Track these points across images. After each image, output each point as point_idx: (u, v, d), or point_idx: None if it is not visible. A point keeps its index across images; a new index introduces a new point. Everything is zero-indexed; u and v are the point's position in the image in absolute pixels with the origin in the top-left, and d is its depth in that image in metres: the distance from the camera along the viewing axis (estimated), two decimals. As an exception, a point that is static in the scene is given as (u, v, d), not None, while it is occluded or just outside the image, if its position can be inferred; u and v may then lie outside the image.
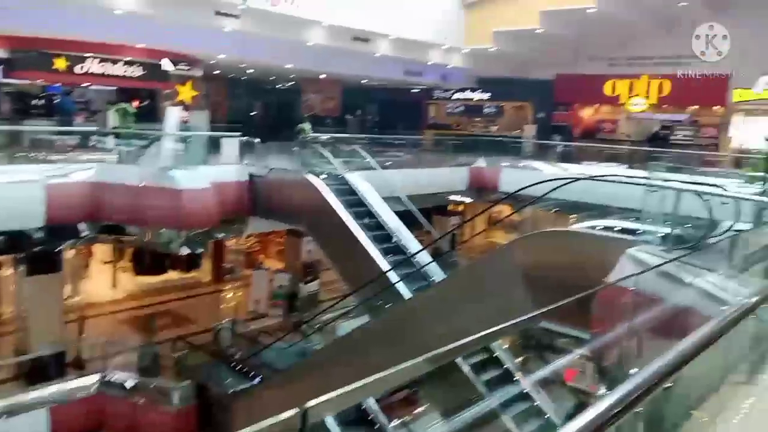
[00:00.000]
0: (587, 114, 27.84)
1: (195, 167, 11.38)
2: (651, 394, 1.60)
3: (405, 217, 11.72)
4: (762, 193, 8.06)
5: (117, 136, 13.52)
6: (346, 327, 11.63)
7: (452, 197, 18.76)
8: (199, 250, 13.84)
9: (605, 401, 1.46)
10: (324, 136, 14.94)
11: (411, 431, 10.44)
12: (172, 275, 17.54)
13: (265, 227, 14.83)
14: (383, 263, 10.07)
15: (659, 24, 23.45)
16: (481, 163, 18.12)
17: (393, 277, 9.88)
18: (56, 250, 11.33)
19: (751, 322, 3.34)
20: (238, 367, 11.51)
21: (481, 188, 17.82)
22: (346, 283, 11.06)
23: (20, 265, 11.82)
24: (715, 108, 24.52)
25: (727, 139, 24.66)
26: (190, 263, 17.38)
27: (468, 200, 19.38)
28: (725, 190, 8.02)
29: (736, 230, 6.42)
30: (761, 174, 9.10)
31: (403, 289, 9.71)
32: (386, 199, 11.81)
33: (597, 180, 11.09)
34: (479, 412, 8.36)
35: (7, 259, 12.69)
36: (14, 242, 10.57)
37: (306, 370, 10.43)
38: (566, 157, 19.48)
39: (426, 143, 23.64)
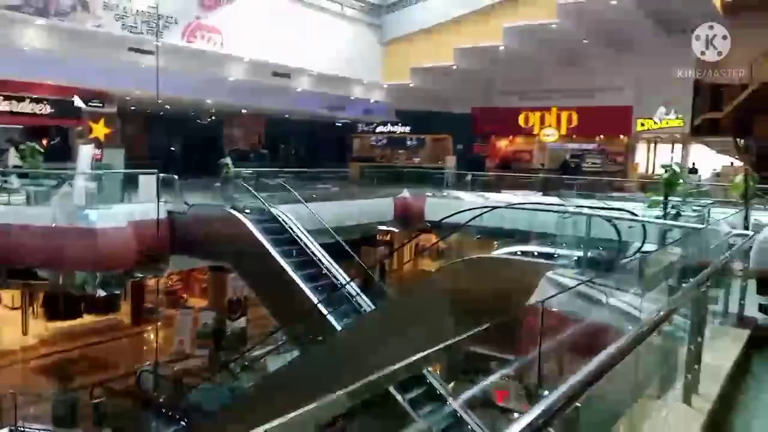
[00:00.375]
0: (504, 145, 29.09)
1: (110, 206, 10.98)
2: (563, 413, 1.69)
3: (333, 249, 11.73)
4: (663, 216, 8.69)
5: (23, 176, 12.84)
6: (276, 362, 11.44)
7: (380, 227, 18.97)
8: (117, 291, 13.25)
9: (513, 427, 1.51)
10: (247, 171, 14.78)
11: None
12: (88, 318, 16.66)
13: (188, 264, 14.42)
14: (312, 296, 10.02)
15: (564, 60, 24.97)
16: (405, 193, 18.49)
17: (323, 310, 9.86)
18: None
19: (657, 339, 3.58)
20: (163, 411, 11.02)
21: (407, 218, 18.15)
22: (274, 318, 10.91)
23: None
24: (621, 137, 26.26)
25: (634, 166, 26.40)
26: (108, 305, 16.59)
27: (395, 230, 19.65)
28: (633, 213, 8.60)
29: (643, 251, 6.89)
30: (661, 198, 9.81)
31: (333, 321, 9.69)
32: (313, 232, 11.78)
33: (514, 208, 11.60)
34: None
35: None
36: None
37: (236, 410, 10.15)
38: (486, 186, 20.20)
39: (352, 176, 23.85)
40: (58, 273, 11.07)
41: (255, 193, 12.54)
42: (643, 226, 7.37)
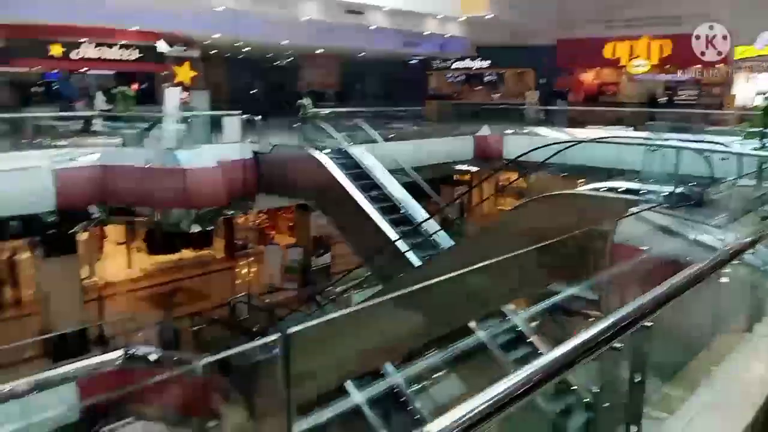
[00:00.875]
0: (589, 78, 27.67)
1: (198, 147, 11.53)
2: (628, 331, 1.72)
3: (411, 188, 11.85)
4: (761, 148, 8.16)
5: (116, 119, 13.64)
6: (359, 297, 11.88)
7: (458, 166, 18.85)
8: (209, 228, 14.04)
9: (580, 336, 1.57)
10: (325, 111, 14.99)
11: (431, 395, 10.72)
12: (186, 253, 17.84)
13: (273, 203, 15.01)
14: (391, 233, 10.24)
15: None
16: (485, 131, 18.15)
17: (401, 246, 10.07)
18: (70, 232, 11.54)
19: (744, 270, 3.49)
20: (257, 339, 11.80)
21: (487, 156, 17.89)
22: (356, 254, 11.27)
23: (36, 249, 12.07)
24: (717, 66, 24.34)
25: (731, 98, 24.52)
26: (202, 241, 17.65)
27: (474, 169, 19.46)
28: (727, 147, 8.13)
29: (736, 185, 6.56)
30: (758, 129, 9.17)
31: (413, 257, 9.90)
32: (391, 171, 11.92)
33: (599, 142, 11.19)
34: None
35: (23, 244, 12.96)
36: (28, 226, 10.82)
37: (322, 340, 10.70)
38: (570, 122, 19.48)
39: (428, 114, 23.58)
40: (154, 211, 11.84)
41: (333, 132, 12.76)
42: (738, 158, 6.98)
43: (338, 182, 10.97)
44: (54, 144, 12.36)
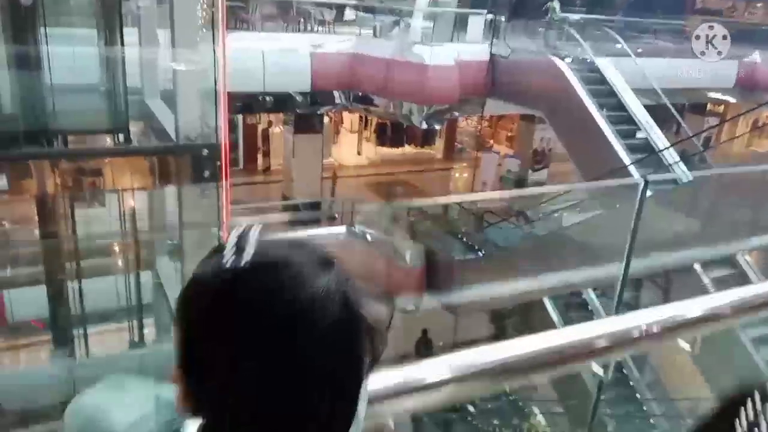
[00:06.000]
0: None
1: (441, 44, 11.66)
2: None
3: (654, 110, 10.84)
4: None
5: (368, 10, 14.21)
6: (572, 218, 11.55)
7: (712, 95, 16.64)
8: (437, 127, 14.45)
9: None
10: (574, 17, 14.00)
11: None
12: (408, 149, 18.71)
13: (502, 110, 14.82)
14: (625, 156, 9.62)
15: None
16: (755, 56, 15.59)
17: (634, 173, 9.44)
18: (318, 113, 12.72)
19: None
20: (464, 240, 12.24)
21: (752, 87, 15.49)
22: (581, 172, 10.83)
23: (288, 125, 13.58)
24: None
25: None
26: (425, 139, 18.30)
27: (731, 99, 17.03)
28: None
29: None
30: None
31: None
32: (636, 90, 10.98)
33: None
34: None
35: (278, 118, 14.66)
36: (283, 103, 12.13)
37: (526, 253, 10.76)
38: None
39: (691, 31, 20.77)
40: (390, 103, 12.46)
41: (580, 40, 11.99)
42: None
43: (576, 95, 10.43)
44: (313, 29, 13.42)
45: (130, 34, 6.11)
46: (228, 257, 0.66)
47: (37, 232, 5.28)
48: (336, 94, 12.43)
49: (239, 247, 0.67)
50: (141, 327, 6.55)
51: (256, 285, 0.65)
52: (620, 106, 10.50)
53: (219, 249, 0.68)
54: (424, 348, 13.04)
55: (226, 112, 4.55)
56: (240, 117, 16.08)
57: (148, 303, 6.83)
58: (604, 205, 9.95)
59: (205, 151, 4.49)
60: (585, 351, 1.56)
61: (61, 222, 5.50)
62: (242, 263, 0.65)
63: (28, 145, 4.12)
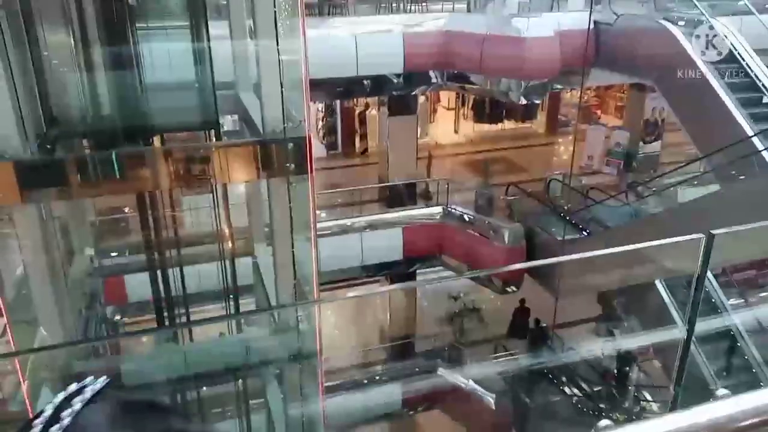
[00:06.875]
0: None
1: (539, 14, 11.10)
2: None
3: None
4: None
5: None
6: (688, 194, 10.72)
7: None
8: (537, 101, 13.87)
9: None
10: (687, -26, 12.79)
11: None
12: (508, 124, 18.15)
13: (608, 80, 13.97)
14: (747, 127, 8.72)
15: None
16: None
17: (758, 144, 8.55)
18: (412, 94, 12.60)
19: None
20: (567, 219, 11.71)
21: None
22: (696, 146, 9.97)
23: (383, 107, 13.57)
24: None
25: None
26: (526, 114, 17.65)
27: None
28: None
29: None
30: None
31: (769, 158, 8.36)
32: (760, 51, 9.89)
33: None
34: None
35: (373, 101, 14.70)
36: (378, 86, 12.11)
37: (637, 233, 10.10)
38: None
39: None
40: (487, 79, 12.07)
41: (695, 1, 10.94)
42: None
43: (691, 61, 9.56)
44: (405, 8, 13.26)
45: (221, 27, 6.32)
46: None
47: (144, 220, 5.62)
48: (431, 73, 12.24)
49: (50, 423, 0.53)
50: (237, 310, 6.86)
51: None
52: (743, 72, 9.50)
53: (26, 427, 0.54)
54: (520, 316, 13.04)
55: (308, 103, 4.55)
56: (338, 102, 16.31)
57: (248, 285, 7.19)
58: (725, 180, 9.14)
59: (291, 145, 4.53)
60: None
61: (164, 211, 5.84)
62: None
63: (124, 143, 4.36)
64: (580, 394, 11.67)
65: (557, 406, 11.57)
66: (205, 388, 6.94)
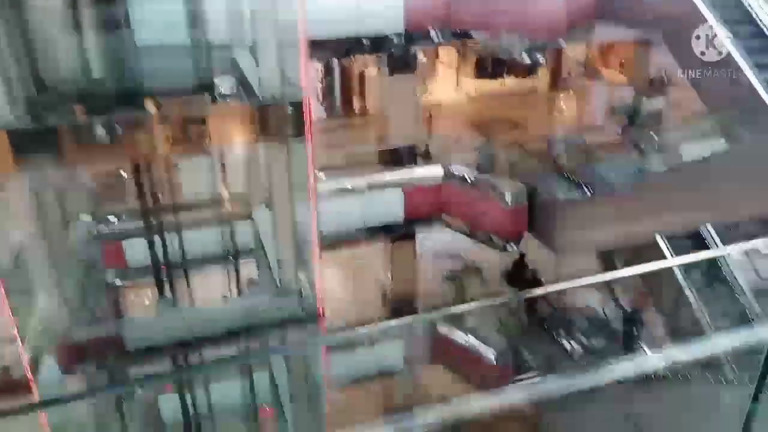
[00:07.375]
0: None
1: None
2: None
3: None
4: None
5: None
6: (693, 152, 10.56)
7: None
8: (540, 59, 13.60)
9: None
10: None
11: None
12: (510, 81, 17.82)
13: (614, 35, 13.64)
14: (759, 85, 8.52)
15: None
16: None
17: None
18: (411, 53, 12.30)
19: None
20: (570, 178, 11.59)
21: None
22: (704, 102, 9.79)
23: (382, 66, 13.26)
24: None
25: None
26: (528, 70, 17.32)
27: None
28: None
29: None
30: None
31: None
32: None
33: None
34: None
35: (372, 60, 14.39)
36: (377, 44, 11.83)
37: (641, 191, 10.02)
38: None
39: None
40: (490, 37, 11.76)
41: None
42: None
43: (699, 13, 9.30)
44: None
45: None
46: None
47: (138, 183, 5.56)
48: (432, 31, 11.94)
49: None
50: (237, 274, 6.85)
51: None
52: (753, 23, 9.25)
53: None
54: (518, 268, 13.38)
55: (307, 64, 4.41)
56: (335, 60, 15.96)
57: (249, 249, 7.16)
58: (732, 137, 9.01)
59: (289, 107, 4.41)
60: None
61: (159, 174, 5.76)
62: None
63: (117, 107, 4.24)
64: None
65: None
66: (208, 350, 6.97)
